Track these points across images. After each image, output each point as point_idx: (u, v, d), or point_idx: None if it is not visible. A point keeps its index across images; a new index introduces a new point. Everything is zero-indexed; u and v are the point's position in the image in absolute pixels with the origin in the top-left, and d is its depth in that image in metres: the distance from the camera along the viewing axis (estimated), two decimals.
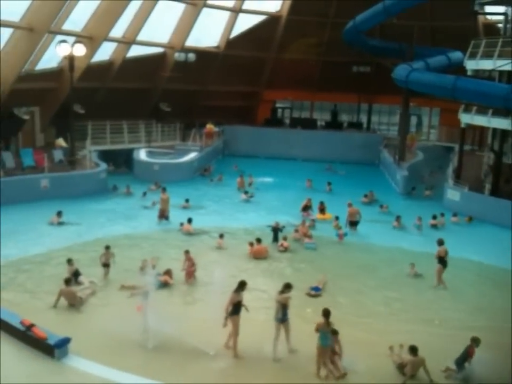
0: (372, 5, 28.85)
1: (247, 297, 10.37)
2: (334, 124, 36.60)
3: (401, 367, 9.41)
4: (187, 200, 21.54)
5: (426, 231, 19.34)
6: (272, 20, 34.75)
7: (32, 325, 9.06)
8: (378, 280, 14.38)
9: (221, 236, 16.78)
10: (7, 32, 21.51)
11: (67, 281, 11.90)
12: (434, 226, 19.86)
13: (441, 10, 31.64)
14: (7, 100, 22.27)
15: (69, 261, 13.39)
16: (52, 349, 8.68)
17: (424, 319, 11.98)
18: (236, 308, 9.91)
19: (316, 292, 13.03)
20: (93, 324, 10.88)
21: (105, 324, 10.57)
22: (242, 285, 10.14)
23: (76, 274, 13.01)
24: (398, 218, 19.90)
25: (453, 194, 22.78)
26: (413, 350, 9.22)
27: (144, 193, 22.90)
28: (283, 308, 9.97)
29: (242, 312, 10.04)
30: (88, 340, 9.78)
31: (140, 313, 10.24)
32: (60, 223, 18.29)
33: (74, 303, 11.70)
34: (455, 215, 20.88)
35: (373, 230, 19.36)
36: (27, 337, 9.00)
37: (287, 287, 10.11)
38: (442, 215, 20.54)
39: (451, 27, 31.00)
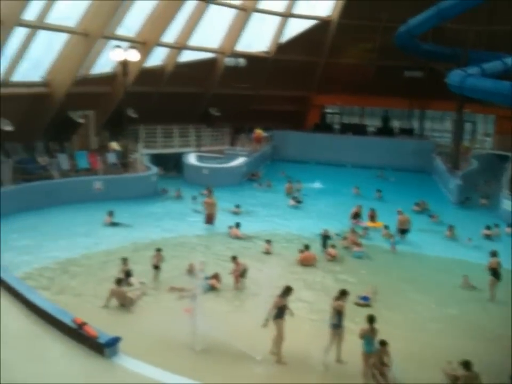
0: (425, 8, 28.20)
1: (293, 303, 10.29)
2: (385, 130, 35.99)
3: (454, 381, 9.08)
4: (237, 206, 21.52)
5: (480, 241, 18.67)
6: (322, 24, 34.54)
7: (84, 323, 9.24)
8: (430, 292, 13.95)
9: (268, 242, 16.73)
10: (64, 37, 22.20)
11: (118, 282, 12.12)
12: (488, 236, 19.17)
13: (499, 13, 30.58)
14: (63, 103, 22.99)
15: (124, 260, 13.65)
16: (102, 348, 8.82)
17: (477, 333, 11.54)
18: (280, 312, 9.88)
19: (364, 301, 12.76)
20: (142, 324, 11.03)
21: (154, 325, 10.71)
22: (287, 290, 10.12)
23: (128, 274, 13.24)
24: (450, 228, 19.31)
25: (508, 204, 21.93)
26: (467, 365, 8.86)
27: (194, 197, 23.04)
28: (337, 314, 9.86)
29: (289, 318, 9.98)
30: (137, 339, 9.90)
31: (188, 316, 10.30)
32: (113, 224, 18.70)
33: (125, 303, 11.90)
34: (510, 226, 20.09)
35: (424, 239, 18.88)
36: (78, 335, 9.19)
37: (343, 293, 10.00)
38: (497, 225, 19.81)
39: (509, 32, 29.92)
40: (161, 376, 8.43)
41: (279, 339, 9.83)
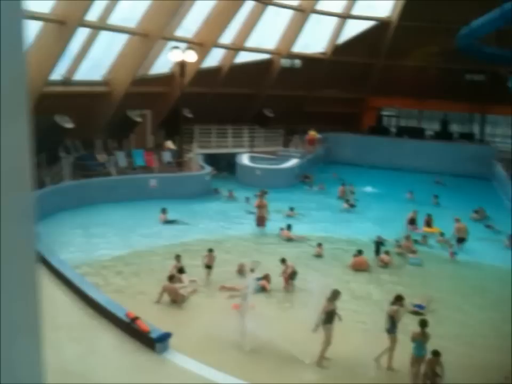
0: (489, 10, 27.19)
1: (342, 308, 10.14)
2: (443, 134, 34.88)
3: None
4: (292, 209, 21.28)
5: None
6: (381, 25, 33.96)
7: (136, 318, 9.39)
8: (488, 302, 13.38)
9: (320, 245, 16.54)
10: (124, 38, 22.76)
11: (171, 278, 12.28)
12: None
13: None
14: (122, 102, 23.57)
15: (177, 257, 13.82)
16: (153, 343, 8.94)
17: None
18: (329, 317, 9.77)
19: (419, 309, 12.39)
20: (192, 321, 11.13)
21: (204, 323, 10.77)
22: (335, 294, 10.00)
23: (180, 271, 13.40)
24: (510, 237, 18.50)
25: None
26: None
27: (248, 199, 22.96)
28: (391, 319, 9.66)
29: (338, 323, 9.86)
30: (187, 336, 9.99)
31: (238, 315, 10.31)
32: (167, 222, 19.01)
33: (177, 300, 12.04)
34: None
35: (482, 248, 18.15)
36: (131, 329, 9.34)
37: (398, 299, 9.80)
38: None
39: None
40: (210, 373, 8.46)
41: (326, 344, 9.74)
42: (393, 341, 9.73)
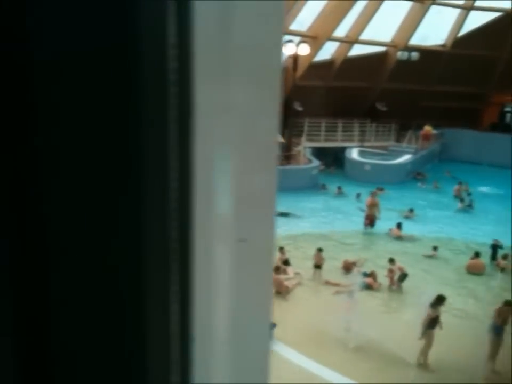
0: None
1: (454, 307, 9.75)
2: None
3: None
4: (411, 210, 20.23)
5: None
6: (507, 17, 31.65)
7: None
8: None
9: (435, 248, 15.80)
10: None
11: (276, 269, 12.41)
12: None
13: None
14: None
15: (281, 249, 13.95)
16: None
17: None
18: (432, 323, 9.53)
19: None
20: (296, 314, 11.18)
21: (308, 316, 10.78)
22: (440, 300, 9.72)
23: (286, 263, 13.52)
24: None
25: None
26: None
27: (359, 195, 22.37)
28: (501, 321, 9.38)
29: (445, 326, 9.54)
30: (291, 328, 10.05)
31: (342, 311, 10.21)
32: (280, 214, 19.18)
33: (281, 291, 12.15)
34: None
35: None
36: None
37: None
38: None
39: None
40: (313, 367, 8.47)
41: (427, 348, 9.52)
42: (500, 343, 9.29)
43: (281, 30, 0.53)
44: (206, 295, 0.53)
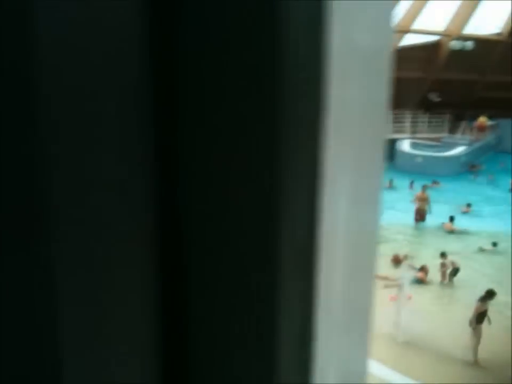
0: None
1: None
2: None
3: None
4: (469, 205, 19.71)
5: None
6: None
7: None
8: None
9: (494, 244, 15.42)
10: None
11: None
12: None
13: None
14: None
15: None
16: None
17: None
18: (480, 317, 9.45)
19: None
20: None
21: None
22: (490, 294, 9.64)
23: None
24: None
25: None
26: None
27: (412, 185, 21.98)
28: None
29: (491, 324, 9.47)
30: None
31: (391, 305, 10.20)
32: None
33: None
34: None
35: None
36: None
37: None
38: None
39: None
40: None
41: (475, 344, 9.38)
42: None
43: (391, 28, 0.53)
44: (326, 297, 0.52)
